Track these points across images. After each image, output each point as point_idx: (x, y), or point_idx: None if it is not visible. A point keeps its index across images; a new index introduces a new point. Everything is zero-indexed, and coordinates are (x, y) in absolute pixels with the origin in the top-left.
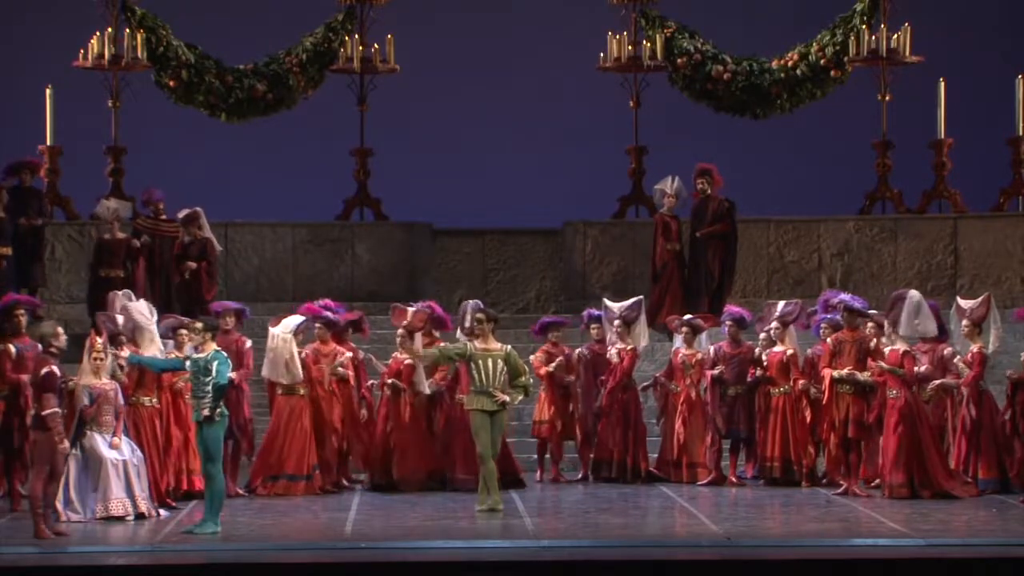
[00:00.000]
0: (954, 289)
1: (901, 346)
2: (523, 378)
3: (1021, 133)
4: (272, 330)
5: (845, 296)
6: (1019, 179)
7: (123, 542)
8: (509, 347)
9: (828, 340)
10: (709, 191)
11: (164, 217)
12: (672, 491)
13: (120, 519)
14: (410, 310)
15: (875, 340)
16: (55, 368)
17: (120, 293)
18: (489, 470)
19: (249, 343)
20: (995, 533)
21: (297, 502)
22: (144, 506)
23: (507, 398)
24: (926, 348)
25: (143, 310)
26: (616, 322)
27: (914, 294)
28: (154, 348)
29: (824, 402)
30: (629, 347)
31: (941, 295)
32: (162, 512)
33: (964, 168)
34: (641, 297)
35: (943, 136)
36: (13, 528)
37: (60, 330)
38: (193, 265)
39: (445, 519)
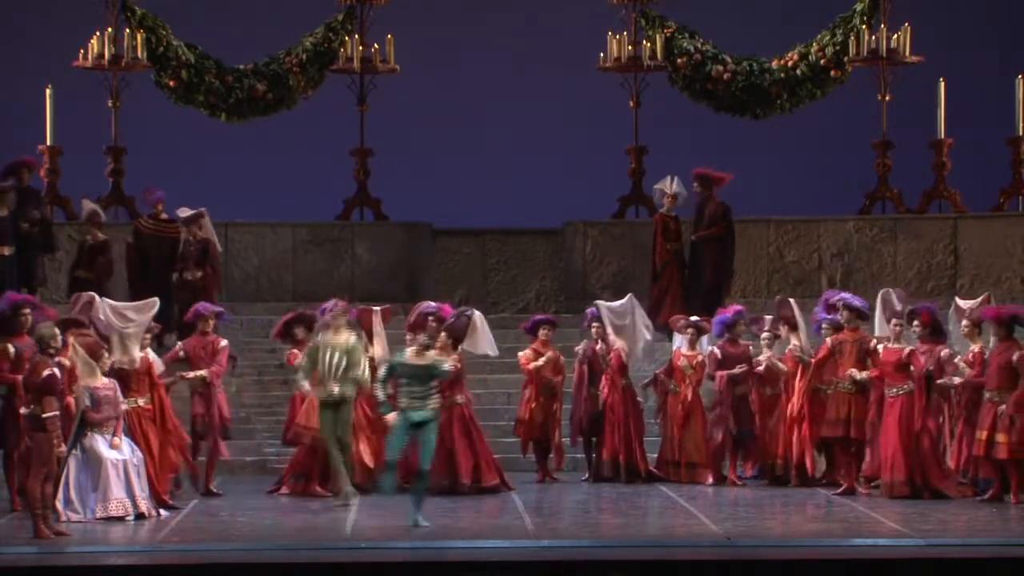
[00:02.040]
0: (954, 289)
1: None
2: (355, 371)
3: (1021, 133)
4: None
5: (846, 295)
6: (1019, 179)
7: (123, 542)
8: (354, 339)
9: (828, 340)
10: (707, 194)
11: (164, 217)
12: (672, 491)
13: (120, 519)
14: (375, 310)
15: (874, 340)
16: (56, 370)
17: (84, 295)
18: (333, 456)
19: (224, 342)
20: (995, 533)
21: (297, 502)
22: (144, 506)
23: (336, 389)
24: (924, 349)
25: (124, 312)
26: (615, 322)
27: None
28: (134, 351)
29: (798, 402)
30: (618, 346)
31: (941, 295)
32: (162, 512)
33: (964, 168)
34: (631, 295)
35: (943, 136)
36: (13, 528)
37: (58, 331)
38: (199, 274)
39: (445, 519)
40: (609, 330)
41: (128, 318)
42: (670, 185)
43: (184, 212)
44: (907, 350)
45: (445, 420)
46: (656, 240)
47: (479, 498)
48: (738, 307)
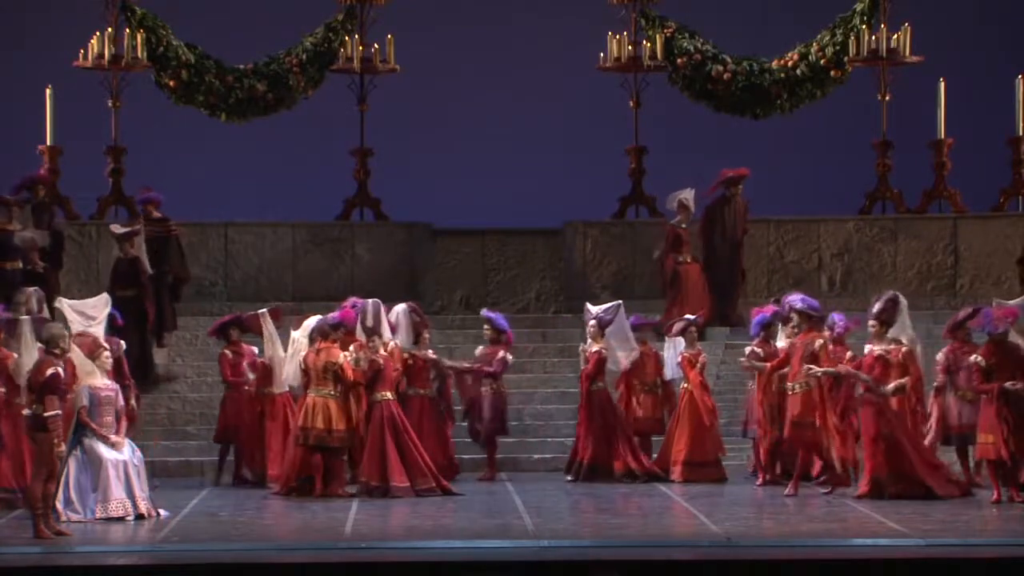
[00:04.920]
0: (954, 289)
1: (885, 346)
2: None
3: (1021, 133)
4: (294, 334)
5: (795, 297)
6: (1019, 179)
7: (123, 542)
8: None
9: (782, 343)
10: (732, 193)
11: (156, 216)
12: (672, 491)
13: (120, 519)
14: (263, 312)
15: (819, 341)
16: (60, 370)
17: (31, 289)
18: None
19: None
20: (995, 533)
21: (297, 502)
22: (144, 506)
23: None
24: (965, 350)
25: (84, 310)
26: (591, 323)
27: (902, 297)
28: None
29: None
30: (595, 349)
31: (941, 295)
32: (162, 512)
33: (964, 168)
34: (620, 302)
35: (943, 136)
36: (13, 528)
37: (67, 332)
38: (129, 293)
39: (445, 519)
40: (588, 331)
41: (89, 316)
42: (690, 199)
43: (117, 228)
44: (903, 351)
45: (375, 419)
46: (666, 252)
47: (479, 498)
48: (775, 308)
